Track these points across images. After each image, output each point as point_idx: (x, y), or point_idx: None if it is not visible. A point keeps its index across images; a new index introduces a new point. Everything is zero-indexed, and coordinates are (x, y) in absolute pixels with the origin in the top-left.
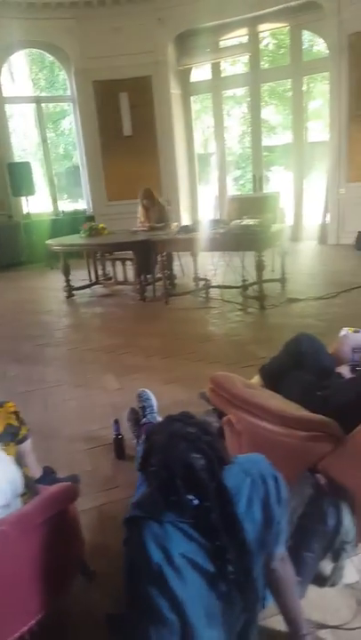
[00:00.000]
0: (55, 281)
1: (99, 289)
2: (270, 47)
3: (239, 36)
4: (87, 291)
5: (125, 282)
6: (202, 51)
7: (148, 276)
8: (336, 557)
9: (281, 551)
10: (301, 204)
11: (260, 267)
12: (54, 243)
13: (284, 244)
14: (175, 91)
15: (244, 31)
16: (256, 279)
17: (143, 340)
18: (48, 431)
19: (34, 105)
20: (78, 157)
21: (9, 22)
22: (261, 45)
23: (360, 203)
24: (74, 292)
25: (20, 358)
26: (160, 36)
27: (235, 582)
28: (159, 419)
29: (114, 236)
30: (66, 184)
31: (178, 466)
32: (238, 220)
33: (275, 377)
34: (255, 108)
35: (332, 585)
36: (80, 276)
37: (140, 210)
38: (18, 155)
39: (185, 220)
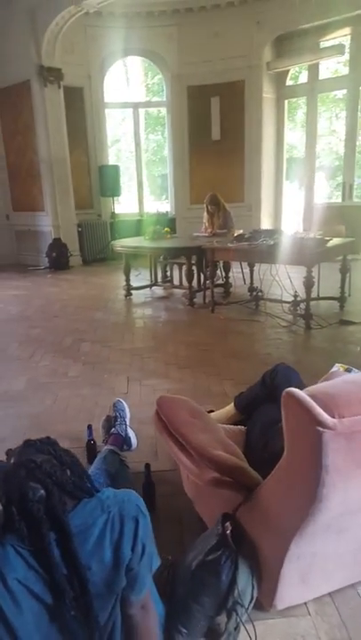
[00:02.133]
0: (123, 279)
1: (158, 290)
2: None
3: (342, 35)
4: (146, 291)
5: (182, 286)
6: (299, 52)
7: (208, 281)
8: (229, 617)
9: (139, 598)
10: None
11: (308, 283)
12: (118, 244)
13: (346, 260)
14: (268, 95)
15: (346, 31)
16: (305, 296)
17: (172, 347)
18: (44, 424)
19: (131, 110)
20: (168, 161)
21: (115, 32)
22: None
23: None
24: (132, 291)
25: (57, 350)
26: (257, 39)
27: (75, 619)
28: (130, 430)
29: (172, 241)
30: (160, 187)
31: (14, 494)
32: (301, 233)
33: (248, 408)
34: (352, 111)
35: None
36: (148, 276)
37: (205, 215)
38: (113, 157)
39: (265, 226)
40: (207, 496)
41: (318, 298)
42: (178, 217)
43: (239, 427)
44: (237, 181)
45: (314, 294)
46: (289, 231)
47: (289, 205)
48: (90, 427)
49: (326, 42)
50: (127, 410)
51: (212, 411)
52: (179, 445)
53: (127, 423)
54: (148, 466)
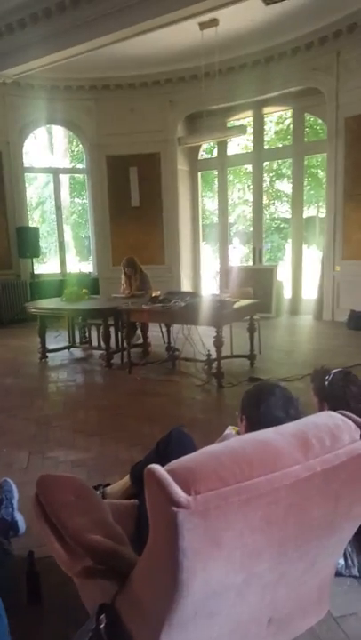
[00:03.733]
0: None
1: (76, 352)
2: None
3: (244, 117)
4: (64, 353)
5: (100, 347)
6: (208, 130)
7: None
8: None
9: None
10: (300, 277)
11: (218, 342)
12: (31, 305)
13: (254, 320)
14: (183, 167)
15: (249, 113)
16: (216, 355)
17: (83, 413)
18: None
19: (51, 175)
20: (89, 224)
21: (34, 102)
22: (266, 127)
23: (354, 281)
24: (49, 354)
25: None
26: (170, 116)
27: None
28: (17, 514)
29: (89, 302)
30: (86, 248)
31: None
32: (215, 294)
33: (142, 478)
34: (258, 184)
35: None
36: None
37: (122, 277)
38: (38, 219)
39: (186, 288)
40: (87, 585)
41: (231, 356)
42: (100, 278)
43: (132, 501)
44: (157, 244)
45: (227, 352)
46: (205, 293)
47: (207, 268)
48: None
49: (234, 121)
50: (15, 490)
51: (108, 484)
52: (55, 533)
53: (14, 506)
54: (31, 553)
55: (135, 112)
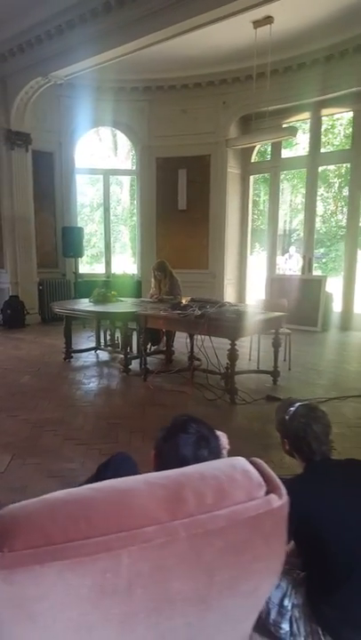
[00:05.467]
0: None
1: (103, 354)
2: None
3: (302, 119)
4: (90, 354)
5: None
6: (261, 132)
7: (154, 347)
8: None
9: None
10: (353, 290)
11: (232, 356)
12: (56, 305)
13: (279, 334)
14: (234, 170)
15: (306, 115)
16: (229, 369)
17: (82, 419)
18: None
19: (101, 176)
20: (136, 226)
21: (87, 103)
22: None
23: None
24: (74, 354)
25: None
26: (223, 118)
27: None
28: None
29: (116, 305)
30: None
31: None
32: (238, 304)
33: None
34: (311, 190)
35: None
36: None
37: (152, 281)
38: (84, 220)
39: (229, 295)
40: None
41: (253, 371)
42: (143, 280)
43: None
44: (202, 249)
45: (253, 367)
46: (235, 302)
47: (255, 275)
48: None
49: (291, 123)
50: None
51: None
52: None
53: None
54: None
55: (188, 113)
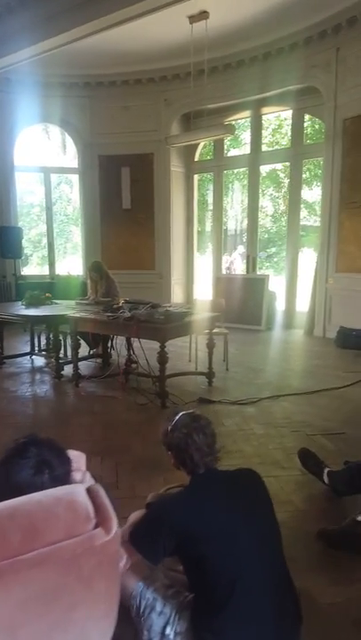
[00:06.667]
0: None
1: (38, 359)
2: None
3: (243, 117)
4: (25, 359)
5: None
6: (201, 130)
7: (93, 351)
8: None
9: None
10: (295, 289)
11: (162, 359)
12: None
13: (214, 333)
14: (178, 168)
15: (247, 113)
16: (159, 372)
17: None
18: None
19: (42, 174)
20: (79, 226)
21: (25, 99)
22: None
23: (348, 295)
24: (6, 360)
25: None
26: (165, 115)
27: None
28: None
29: (48, 308)
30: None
31: None
32: (167, 305)
33: None
34: (253, 188)
35: None
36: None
37: (89, 282)
38: (21, 219)
39: (177, 295)
40: None
41: (191, 372)
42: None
43: None
44: (148, 249)
45: (192, 368)
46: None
47: (203, 275)
48: None
49: (232, 121)
50: None
51: None
52: None
53: None
54: None
55: (130, 110)
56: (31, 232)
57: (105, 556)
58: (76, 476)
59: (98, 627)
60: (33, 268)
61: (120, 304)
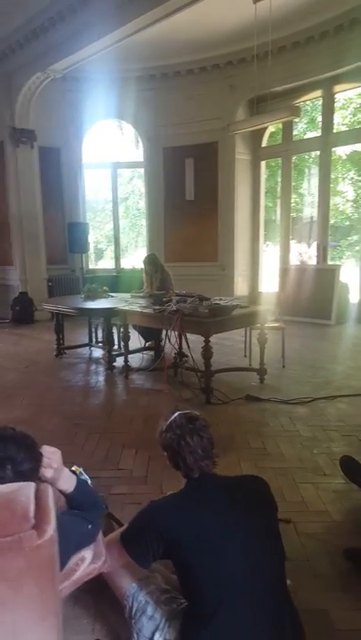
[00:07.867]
0: (67, 337)
1: (96, 350)
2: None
3: (313, 98)
4: (83, 350)
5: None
6: (265, 114)
7: (148, 343)
8: None
9: None
10: None
11: (206, 354)
12: (45, 302)
13: (263, 329)
14: (243, 156)
15: (318, 93)
16: (204, 368)
17: (46, 419)
18: None
19: (110, 170)
20: (144, 219)
21: (92, 96)
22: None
23: None
24: (67, 351)
25: None
26: (230, 102)
27: None
28: None
29: (104, 301)
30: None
31: None
32: (218, 299)
33: None
34: (324, 173)
35: None
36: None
37: (143, 275)
38: (96, 215)
39: (240, 288)
40: None
41: (243, 368)
42: None
43: None
44: (211, 241)
45: (246, 364)
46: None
47: (269, 266)
48: None
49: (302, 103)
50: None
51: None
52: None
53: None
54: None
55: (194, 100)
56: (105, 227)
57: (35, 559)
58: (47, 472)
59: (35, 630)
60: (107, 262)
61: (170, 297)
